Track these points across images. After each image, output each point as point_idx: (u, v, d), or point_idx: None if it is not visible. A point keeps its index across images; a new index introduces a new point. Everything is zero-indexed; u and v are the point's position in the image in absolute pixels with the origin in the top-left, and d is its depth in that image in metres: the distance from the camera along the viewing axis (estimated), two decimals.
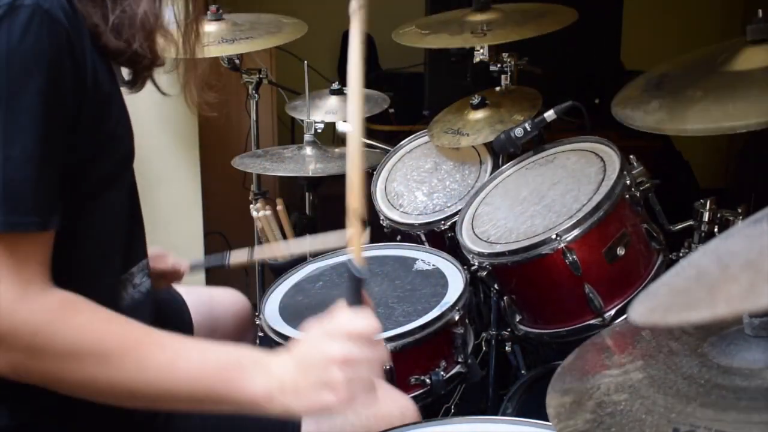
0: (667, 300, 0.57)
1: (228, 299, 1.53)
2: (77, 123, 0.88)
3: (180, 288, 1.43)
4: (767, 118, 1.11)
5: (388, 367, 1.32)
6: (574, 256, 1.40)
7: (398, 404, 1.18)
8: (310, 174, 1.95)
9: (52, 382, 0.84)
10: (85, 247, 0.96)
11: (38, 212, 0.82)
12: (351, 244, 0.93)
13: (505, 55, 1.93)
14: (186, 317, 1.41)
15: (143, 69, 1.00)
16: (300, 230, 2.20)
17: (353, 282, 0.92)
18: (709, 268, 0.56)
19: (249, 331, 1.54)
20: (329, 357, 0.83)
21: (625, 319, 1.42)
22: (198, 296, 1.45)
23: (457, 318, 1.40)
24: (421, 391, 1.37)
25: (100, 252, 0.99)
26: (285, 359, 0.86)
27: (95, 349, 0.83)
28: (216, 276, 2.46)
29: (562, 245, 1.40)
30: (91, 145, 0.92)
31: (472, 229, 1.61)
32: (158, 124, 2.29)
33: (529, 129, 1.70)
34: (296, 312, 1.48)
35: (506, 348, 1.81)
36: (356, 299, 0.91)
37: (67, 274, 0.90)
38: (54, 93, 0.84)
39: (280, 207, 2.14)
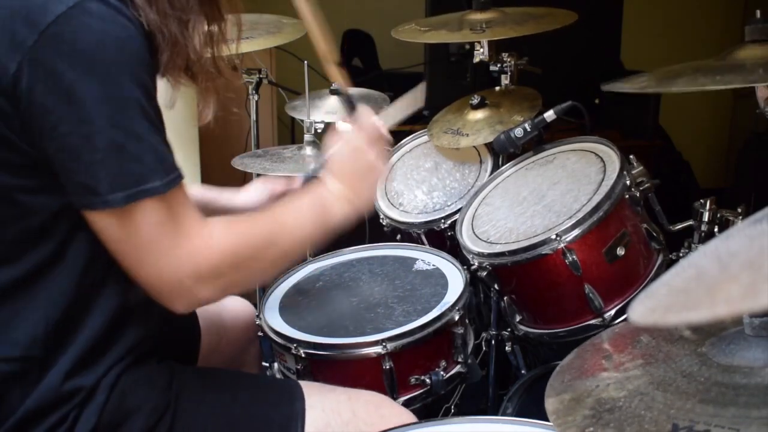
0: (667, 300, 0.57)
1: (236, 308, 1.54)
2: None
3: None
4: (751, 81, 1.13)
5: (388, 362, 1.32)
6: (574, 256, 1.40)
7: (401, 418, 1.18)
8: (310, 174, 1.95)
9: (249, 280, 1.12)
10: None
11: (176, 166, 0.98)
12: (334, 78, 1.29)
13: (505, 55, 1.93)
14: (194, 324, 1.41)
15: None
16: None
17: (344, 100, 1.29)
18: (709, 268, 0.56)
19: (254, 339, 1.55)
20: (368, 163, 1.19)
21: (625, 319, 1.42)
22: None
23: (457, 318, 1.40)
24: (421, 391, 1.37)
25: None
26: (340, 185, 1.16)
27: (266, 241, 1.07)
28: None
29: (562, 245, 1.40)
30: None
31: (472, 229, 1.62)
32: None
33: (528, 129, 1.70)
34: (296, 312, 1.48)
35: (506, 348, 1.81)
36: (351, 109, 1.27)
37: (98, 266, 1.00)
38: (147, 67, 0.96)
39: None
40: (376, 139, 1.22)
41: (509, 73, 1.94)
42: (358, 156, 1.20)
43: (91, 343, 1.01)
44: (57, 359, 0.99)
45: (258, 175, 2.25)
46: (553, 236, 1.41)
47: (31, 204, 0.96)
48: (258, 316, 1.48)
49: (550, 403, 0.81)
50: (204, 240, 1.00)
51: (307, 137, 2.06)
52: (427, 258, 1.62)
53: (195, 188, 1.41)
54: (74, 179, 0.92)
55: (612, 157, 1.55)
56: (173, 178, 0.96)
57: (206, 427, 1.10)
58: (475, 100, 1.93)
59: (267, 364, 1.52)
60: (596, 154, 1.60)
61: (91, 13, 0.89)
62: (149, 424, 1.05)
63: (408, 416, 1.21)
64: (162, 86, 1.08)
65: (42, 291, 0.98)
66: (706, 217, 1.44)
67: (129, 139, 0.91)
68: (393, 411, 1.21)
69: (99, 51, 0.89)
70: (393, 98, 2.32)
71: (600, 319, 1.43)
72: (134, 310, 1.06)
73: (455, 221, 1.68)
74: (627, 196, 1.45)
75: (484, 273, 1.51)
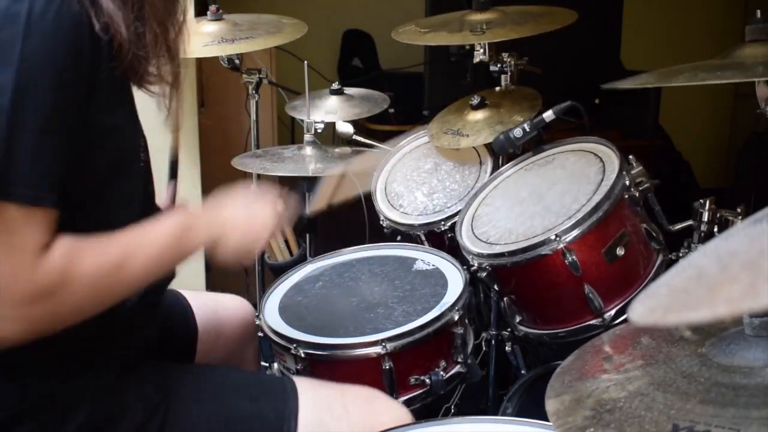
0: (667, 300, 0.57)
1: (233, 306, 1.53)
2: (88, 104, 0.91)
3: (186, 293, 1.44)
4: (750, 76, 1.13)
5: (387, 362, 1.32)
6: (574, 257, 1.40)
7: (394, 414, 1.18)
8: (310, 174, 1.95)
9: (70, 319, 0.94)
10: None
11: (31, 186, 0.86)
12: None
13: (505, 55, 1.93)
14: (191, 321, 1.41)
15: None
16: (300, 230, 2.20)
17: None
18: (709, 268, 0.56)
19: (253, 337, 1.55)
20: (261, 227, 1.13)
21: (625, 320, 1.42)
22: (203, 302, 1.46)
23: (457, 318, 1.40)
24: (421, 391, 1.37)
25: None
26: (223, 228, 1.10)
27: (104, 273, 0.95)
28: (217, 278, 2.46)
29: (562, 246, 1.40)
30: (95, 129, 0.94)
31: (472, 230, 1.62)
32: (158, 124, 2.29)
33: (528, 130, 1.70)
34: (296, 312, 1.48)
35: (506, 348, 1.81)
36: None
37: None
38: (70, 69, 0.87)
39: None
40: (276, 206, 1.17)
41: (509, 73, 1.94)
42: (252, 203, 1.15)
43: (85, 342, 1.01)
44: (50, 356, 0.99)
45: (258, 175, 2.26)
46: (553, 237, 1.41)
47: None
48: (258, 316, 1.48)
49: (550, 404, 0.81)
50: (32, 259, 0.88)
51: (307, 137, 2.06)
52: (427, 258, 1.62)
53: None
54: None
55: (611, 158, 1.55)
56: (34, 195, 0.86)
57: (199, 424, 1.10)
58: (475, 100, 1.92)
59: (266, 364, 1.52)
60: (595, 155, 1.60)
61: (32, 7, 0.85)
62: (141, 422, 1.05)
63: (402, 411, 1.21)
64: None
65: None
66: (705, 217, 1.44)
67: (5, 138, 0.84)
68: (386, 406, 1.21)
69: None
70: (393, 98, 2.33)
71: (600, 320, 1.43)
72: (130, 310, 1.06)
73: (455, 223, 1.68)
74: (626, 196, 1.45)
75: (484, 274, 1.51)
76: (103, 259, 0.95)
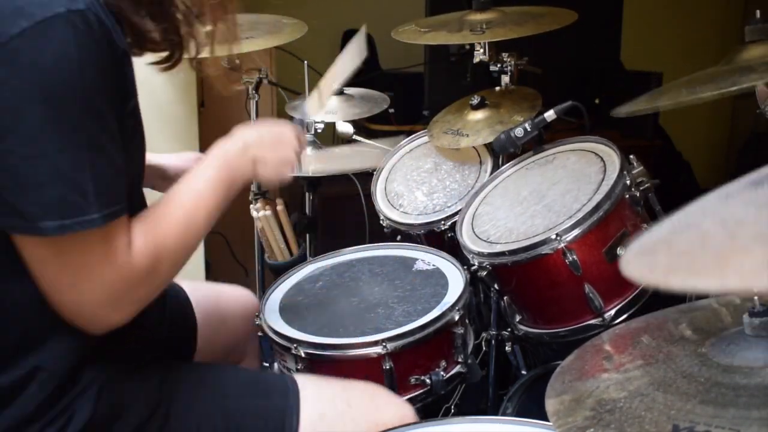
0: (668, 260, 0.55)
1: (236, 296, 1.52)
2: (122, 120, 0.98)
3: (186, 284, 1.43)
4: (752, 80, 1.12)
5: (388, 362, 1.32)
6: (574, 256, 1.40)
7: (396, 409, 1.18)
8: (310, 174, 1.95)
9: (164, 286, 1.07)
10: None
11: (121, 198, 0.96)
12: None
13: (505, 55, 1.93)
14: (189, 315, 1.40)
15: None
16: (300, 230, 2.20)
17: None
18: (714, 234, 0.53)
19: (257, 330, 1.54)
20: (287, 142, 1.23)
21: (626, 319, 1.42)
22: (204, 294, 1.45)
23: (457, 318, 1.40)
24: (421, 391, 1.37)
25: None
26: (255, 150, 1.19)
27: (181, 237, 1.05)
28: (217, 277, 2.46)
29: (562, 245, 1.40)
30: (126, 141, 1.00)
31: (472, 229, 1.62)
32: (158, 124, 2.29)
33: (529, 129, 1.70)
34: (296, 312, 1.48)
35: (506, 348, 1.81)
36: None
37: None
38: (106, 94, 0.93)
39: (280, 207, 2.15)
40: (297, 136, 1.27)
41: (509, 73, 1.94)
42: (274, 131, 1.25)
43: (83, 343, 1.01)
44: (50, 359, 0.99)
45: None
46: (553, 236, 1.41)
47: None
48: (258, 316, 1.48)
49: (550, 404, 0.81)
50: (126, 264, 0.97)
51: (307, 137, 2.06)
52: (427, 258, 1.62)
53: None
54: (3, 196, 0.89)
55: (612, 157, 1.55)
56: (114, 211, 0.94)
57: (200, 422, 1.10)
58: (475, 100, 1.92)
59: (267, 364, 1.52)
60: (596, 154, 1.60)
61: (56, 32, 0.87)
62: (142, 421, 1.05)
63: (404, 407, 1.21)
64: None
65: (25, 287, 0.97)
66: None
67: (75, 167, 0.89)
68: (388, 401, 1.22)
69: (55, 75, 0.87)
70: (393, 98, 2.33)
71: (600, 319, 1.43)
72: None
73: (455, 222, 1.68)
74: (627, 196, 1.45)
75: (484, 273, 1.51)
76: (176, 227, 1.04)
